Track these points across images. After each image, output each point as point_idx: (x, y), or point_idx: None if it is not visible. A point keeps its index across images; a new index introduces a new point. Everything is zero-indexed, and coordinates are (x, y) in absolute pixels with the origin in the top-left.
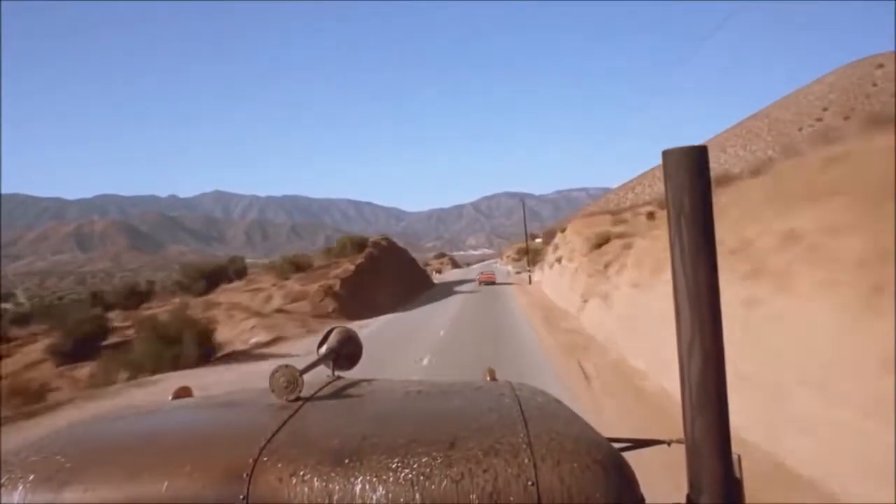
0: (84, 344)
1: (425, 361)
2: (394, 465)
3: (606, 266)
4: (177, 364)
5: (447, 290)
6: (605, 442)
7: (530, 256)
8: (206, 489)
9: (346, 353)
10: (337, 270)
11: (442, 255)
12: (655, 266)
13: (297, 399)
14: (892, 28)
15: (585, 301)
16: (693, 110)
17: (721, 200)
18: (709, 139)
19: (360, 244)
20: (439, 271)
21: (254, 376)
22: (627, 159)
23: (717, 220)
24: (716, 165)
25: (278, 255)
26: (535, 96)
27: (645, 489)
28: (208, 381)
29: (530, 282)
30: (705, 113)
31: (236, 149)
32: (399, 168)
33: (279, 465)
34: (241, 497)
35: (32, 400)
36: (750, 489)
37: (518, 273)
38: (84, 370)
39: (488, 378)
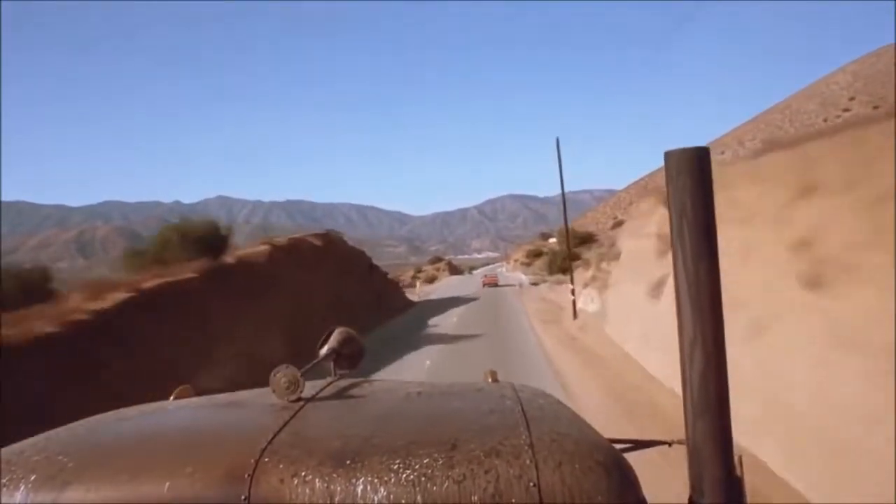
0: None
1: None
2: (395, 467)
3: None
4: None
5: (421, 319)
6: (607, 443)
7: (550, 259)
8: (207, 490)
9: (348, 353)
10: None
11: (438, 260)
12: None
13: (299, 399)
14: None
15: None
16: (702, 107)
17: None
18: (726, 133)
19: (203, 242)
20: (431, 280)
21: None
22: (632, 159)
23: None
24: (733, 161)
25: None
26: (536, 96)
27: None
28: None
29: (575, 314)
30: (715, 110)
31: (240, 154)
32: (403, 172)
33: (281, 466)
34: (243, 497)
35: None
36: None
37: (535, 284)
38: None
39: (490, 379)
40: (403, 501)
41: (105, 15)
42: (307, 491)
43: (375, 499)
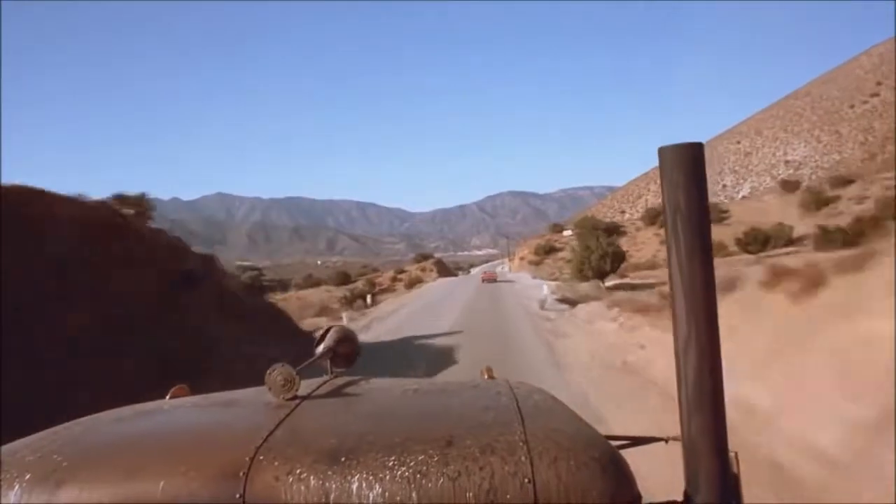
0: None
1: None
2: (390, 464)
3: None
4: None
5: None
6: (603, 439)
7: (569, 258)
8: (202, 488)
9: (343, 351)
10: None
11: (425, 258)
12: None
13: (294, 398)
14: None
15: None
16: (704, 101)
17: None
18: (742, 121)
19: None
20: (413, 284)
21: None
22: (633, 156)
23: None
24: (751, 150)
25: (281, 258)
26: (538, 94)
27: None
28: None
29: None
30: (720, 101)
31: (239, 150)
32: (403, 168)
33: (276, 464)
34: (238, 496)
35: None
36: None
37: (567, 304)
38: None
39: (486, 376)
40: (398, 498)
41: (105, 10)
42: (302, 489)
43: (371, 496)
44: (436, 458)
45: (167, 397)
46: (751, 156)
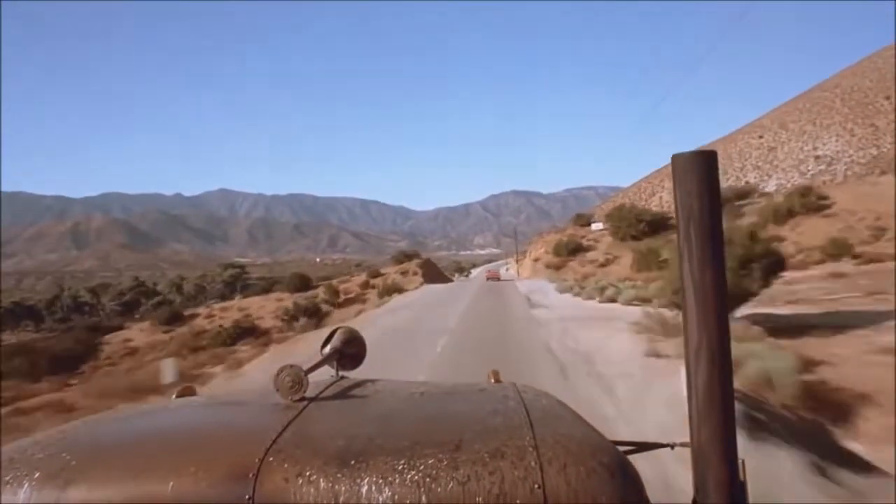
0: None
1: None
2: (400, 467)
3: None
4: None
5: None
6: (611, 445)
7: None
8: (211, 489)
9: (350, 353)
10: None
11: (409, 257)
12: None
13: (302, 399)
14: None
15: None
16: (714, 99)
17: None
18: (765, 114)
19: None
20: (390, 292)
21: None
22: (637, 158)
23: None
24: (776, 145)
25: (282, 254)
26: (541, 94)
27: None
28: None
29: None
30: (739, 96)
31: (242, 147)
32: (406, 166)
33: (285, 466)
34: (247, 497)
35: None
36: None
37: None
38: None
39: (493, 380)
40: (408, 502)
41: (108, 6)
42: (312, 491)
43: (380, 499)
44: (445, 463)
45: (174, 396)
46: (775, 150)
